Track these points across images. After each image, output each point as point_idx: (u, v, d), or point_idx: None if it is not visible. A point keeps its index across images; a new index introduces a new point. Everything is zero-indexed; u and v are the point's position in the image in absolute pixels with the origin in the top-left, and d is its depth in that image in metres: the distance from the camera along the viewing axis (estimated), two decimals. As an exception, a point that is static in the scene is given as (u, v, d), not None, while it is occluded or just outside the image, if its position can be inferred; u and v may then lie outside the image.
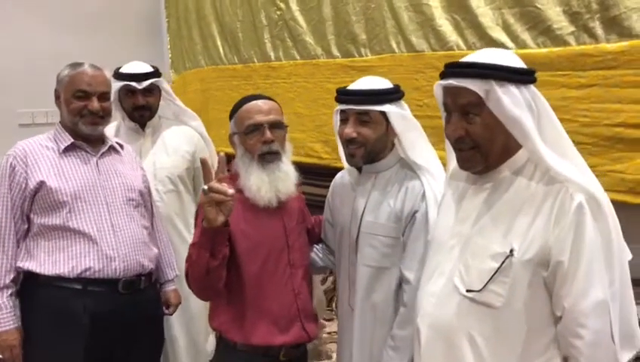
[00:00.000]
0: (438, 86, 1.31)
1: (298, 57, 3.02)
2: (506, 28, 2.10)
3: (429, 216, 1.59)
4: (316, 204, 2.46)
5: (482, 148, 1.25)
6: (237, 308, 1.68)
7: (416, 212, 1.61)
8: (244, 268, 1.67)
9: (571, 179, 1.18)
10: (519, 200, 1.23)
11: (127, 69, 2.53)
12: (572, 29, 1.93)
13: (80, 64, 1.95)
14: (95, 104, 1.91)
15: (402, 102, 1.69)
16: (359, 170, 1.74)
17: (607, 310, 1.15)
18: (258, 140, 1.66)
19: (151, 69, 2.55)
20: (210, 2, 3.65)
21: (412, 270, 1.58)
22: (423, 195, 1.62)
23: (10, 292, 1.84)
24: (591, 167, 1.90)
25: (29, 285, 1.87)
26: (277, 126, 1.69)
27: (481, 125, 1.23)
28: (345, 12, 2.72)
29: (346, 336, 1.76)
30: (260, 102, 1.70)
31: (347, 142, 1.67)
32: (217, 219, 1.47)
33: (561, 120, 1.95)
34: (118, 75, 2.51)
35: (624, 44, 1.81)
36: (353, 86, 1.69)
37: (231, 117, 1.75)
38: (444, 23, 2.30)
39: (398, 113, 1.64)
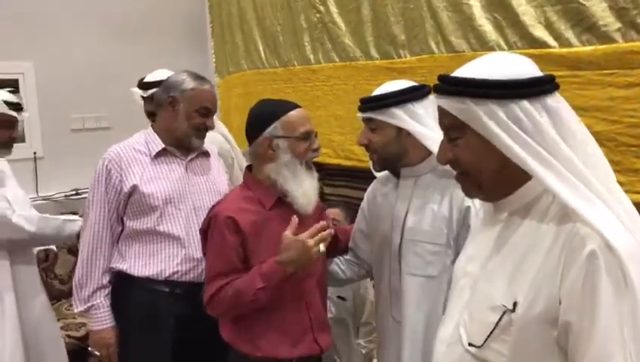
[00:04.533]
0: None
1: (337, 60, 3.01)
2: (549, 26, 2.03)
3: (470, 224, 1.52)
4: (355, 208, 2.45)
5: (471, 174, 1.07)
6: (247, 319, 1.64)
7: (468, 208, 1.55)
8: None
9: (584, 216, 0.93)
10: (528, 241, 1.02)
11: (155, 77, 2.62)
12: (618, 25, 1.85)
13: (203, 78, 2.01)
14: (212, 122, 2.00)
15: (415, 103, 1.60)
16: (397, 175, 1.70)
17: None
18: (309, 147, 1.64)
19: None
20: (252, 7, 3.70)
21: None
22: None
23: (106, 292, 1.93)
24: (639, 171, 1.84)
25: (121, 285, 1.94)
26: (316, 136, 1.70)
27: (465, 149, 1.05)
28: (384, 13, 2.69)
29: (392, 351, 1.68)
30: (304, 112, 1.68)
31: (365, 149, 1.67)
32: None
33: (608, 121, 1.90)
34: (153, 84, 2.62)
35: (674, 40, 1.72)
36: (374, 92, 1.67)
37: (268, 120, 1.64)
38: (484, 23, 2.25)
39: (399, 117, 1.58)
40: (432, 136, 1.54)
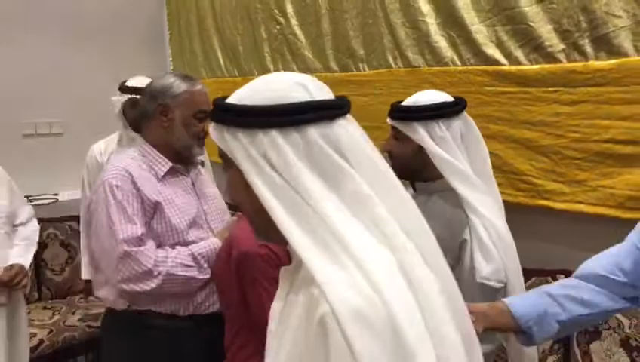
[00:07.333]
0: None
1: (297, 71, 3.06)
2: (500, 45, 2.15)
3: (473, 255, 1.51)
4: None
5: (247, 217, 0.90)
6: None
7: (464, 241, 1.53)
8: None
9: (319, 277, 0.74)
10: (291, 302, 0.84)
11: (133, 82, 2.64)
12: (562, 46, 1.98)
13: (193, 79, 1.80)
14: (209, 125, 1.75)
15: (441, 121, 1.57)
16: (413, 188, 1.68)
17: None
18: None
19: None
20: (212, 16, 3.72)
21: None
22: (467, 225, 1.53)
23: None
24: (581, 181, 1.98)
25: (141, 325, 1.69)
26: None
27: (230, 185, 0.89)
28: (343, 27, 2.77)
29: None
30: None
31: (387, 156, 1.65)
32: None
33: (554, 135, 2.03)
34: (124, 89, 2.62)
35: (613, 62, 1.85)
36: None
37: None
38: (439, 40, 2.35)
39: (420, 134, 1.56)
40: (447, 159, 1.55)
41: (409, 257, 0.78)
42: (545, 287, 1.41)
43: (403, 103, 1.65)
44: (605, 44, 1.88)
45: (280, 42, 3.17)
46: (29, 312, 3.21)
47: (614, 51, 1.86)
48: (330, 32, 2.86)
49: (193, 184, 1.82)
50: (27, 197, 3.58)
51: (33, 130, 3.77)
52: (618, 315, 1.98)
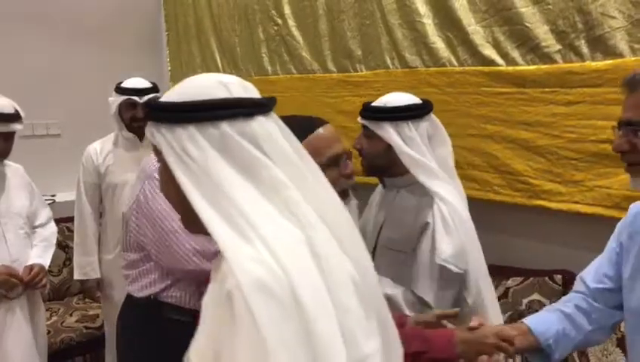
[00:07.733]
0: None
1: (295, 72, 3.07)
2: (497, 45, 2.16)
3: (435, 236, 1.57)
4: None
5: (175, 209, 0.93)
6: None
7: (426, 224, 1.60)
8: None
9: (227, 253, 0.78)
10: (211, 290, 0.86)
11: (129, 84, 2.68)
12: (559, 47, 1.99)
13: None
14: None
15: (410, 122, 1.63)
16: (383, 184, 1.77)
17: None
18: (339, 173, 1.35)
19: (150, 85, 2.72)
20: (209, 17, 3.72)
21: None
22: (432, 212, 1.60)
23: None
24: (578, 182, 1.98)
25: (161, 316, 1.69)
26: (349, 157, 1.44)
27: (161, 178, 0.93)
28: (340, 28, 2.78)
29: None
30: (331, 129, 1.39)
31: (358, 153, 1.72)
32: None
33: (550, 135, 2.04)
34: (121, 90, 2.65)
35: (608, 62, 1.86)
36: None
37: None
38: (436, 40, 2.36)
39: (389, 133, 1.63)
40: (415, 157, 1.61)
41: (318, 235, 0.82)
42: (556, 305, 1.45)
43: (373, 104, 1.71)
44: (601, 45, 1.90)
45: (278, 43, 3.17)
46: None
47: (610, 52, 1.88)
48: (327, 33, 2.87)
49: None
50: (24, 198, 3.59)
51: (30, 131, 3.75)
52: (615, 315, 1.98)
